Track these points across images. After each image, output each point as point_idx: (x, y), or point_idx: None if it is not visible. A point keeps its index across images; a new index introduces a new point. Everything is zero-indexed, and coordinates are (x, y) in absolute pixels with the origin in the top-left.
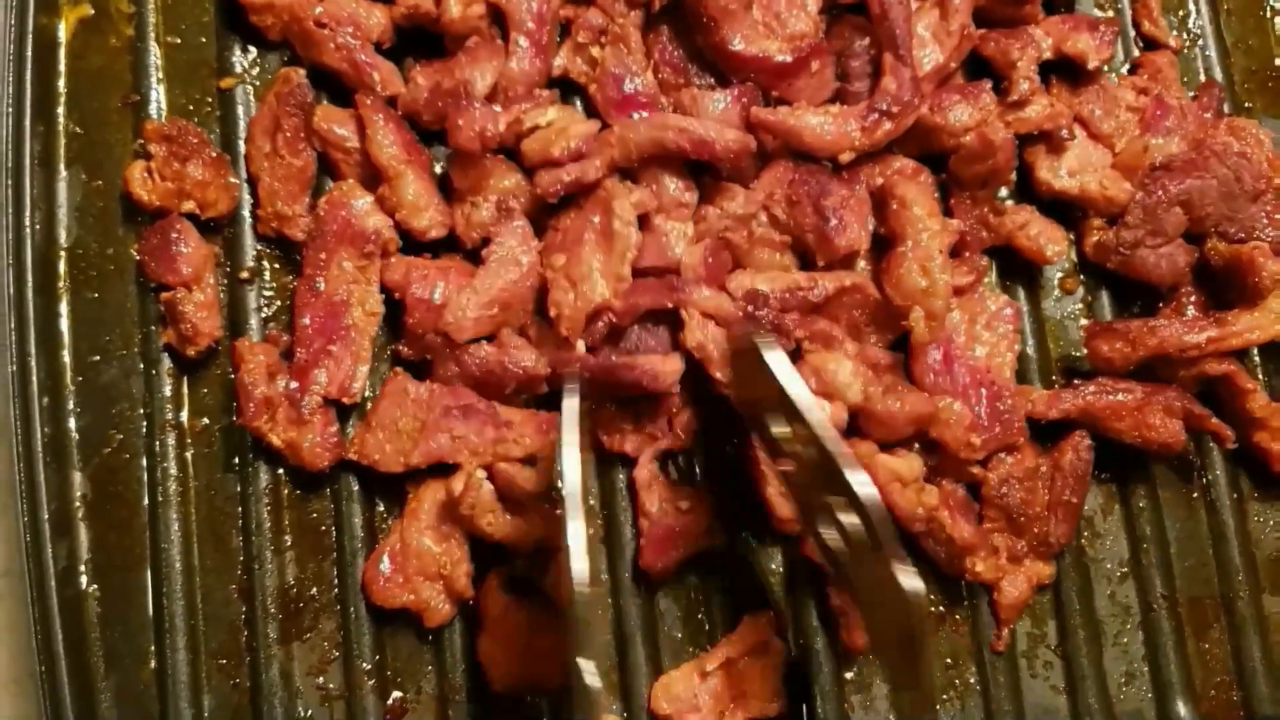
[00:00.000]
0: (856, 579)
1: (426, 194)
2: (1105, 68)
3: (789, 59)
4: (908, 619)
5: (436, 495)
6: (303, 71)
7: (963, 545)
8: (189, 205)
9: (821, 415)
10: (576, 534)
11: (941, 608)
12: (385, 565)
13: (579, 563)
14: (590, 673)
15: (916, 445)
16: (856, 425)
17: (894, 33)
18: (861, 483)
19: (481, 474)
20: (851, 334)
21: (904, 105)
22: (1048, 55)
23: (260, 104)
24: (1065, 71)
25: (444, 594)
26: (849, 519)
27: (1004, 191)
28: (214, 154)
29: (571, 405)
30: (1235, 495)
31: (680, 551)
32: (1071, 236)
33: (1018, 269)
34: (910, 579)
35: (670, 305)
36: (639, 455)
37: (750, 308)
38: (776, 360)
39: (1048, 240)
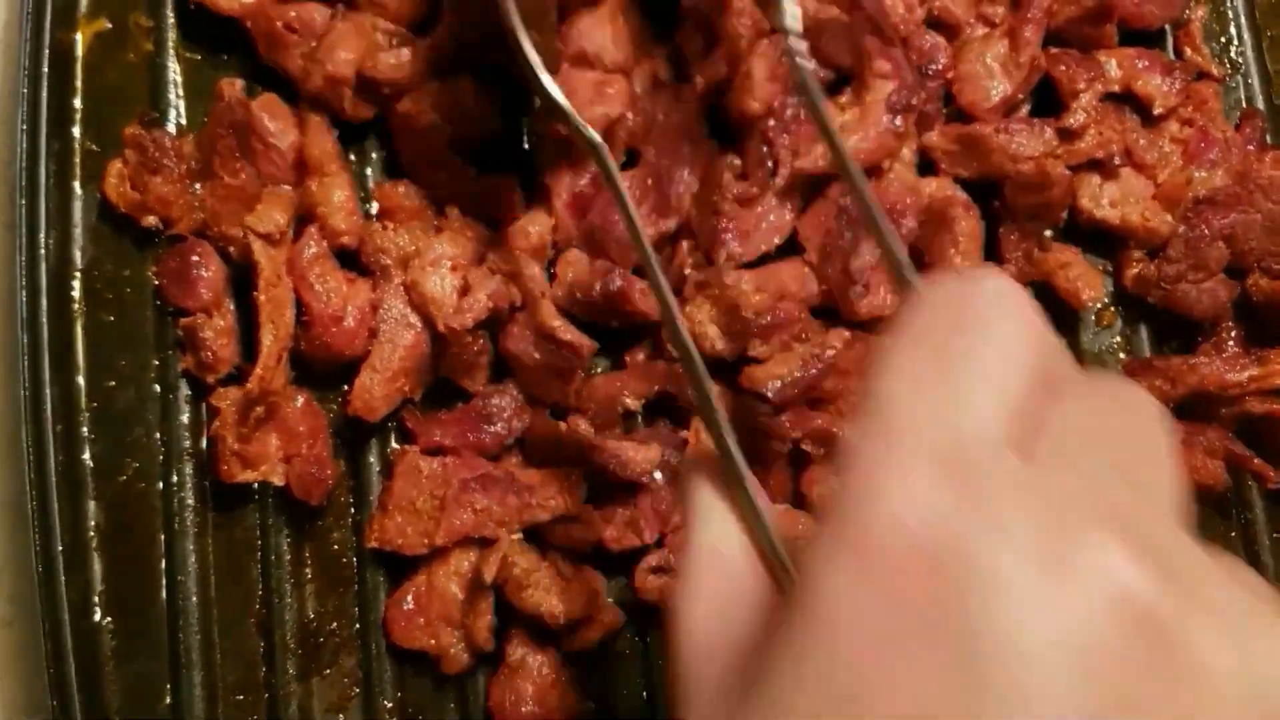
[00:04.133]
0: None
1: (351, 201)
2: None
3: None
4: None
5: (469, 560)
6: (240, 84)
7: None
8: (151, 220)
9: None
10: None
11: None
12: (408, 604)
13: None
14: None
15: None
16: None
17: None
18: None
19: (517, 544)
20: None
21: (912, 85)
22: (1115, 89)
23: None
24: (1113, 97)
25: (464, 643)
26: None
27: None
28: (182, 170)
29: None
30: (1274, 535)
31: None
32: (1109, 268)
33: (1056, 302)
34: None
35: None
36: (617, 546)
37: (745, 419)
38: None
39: (1085, 284)
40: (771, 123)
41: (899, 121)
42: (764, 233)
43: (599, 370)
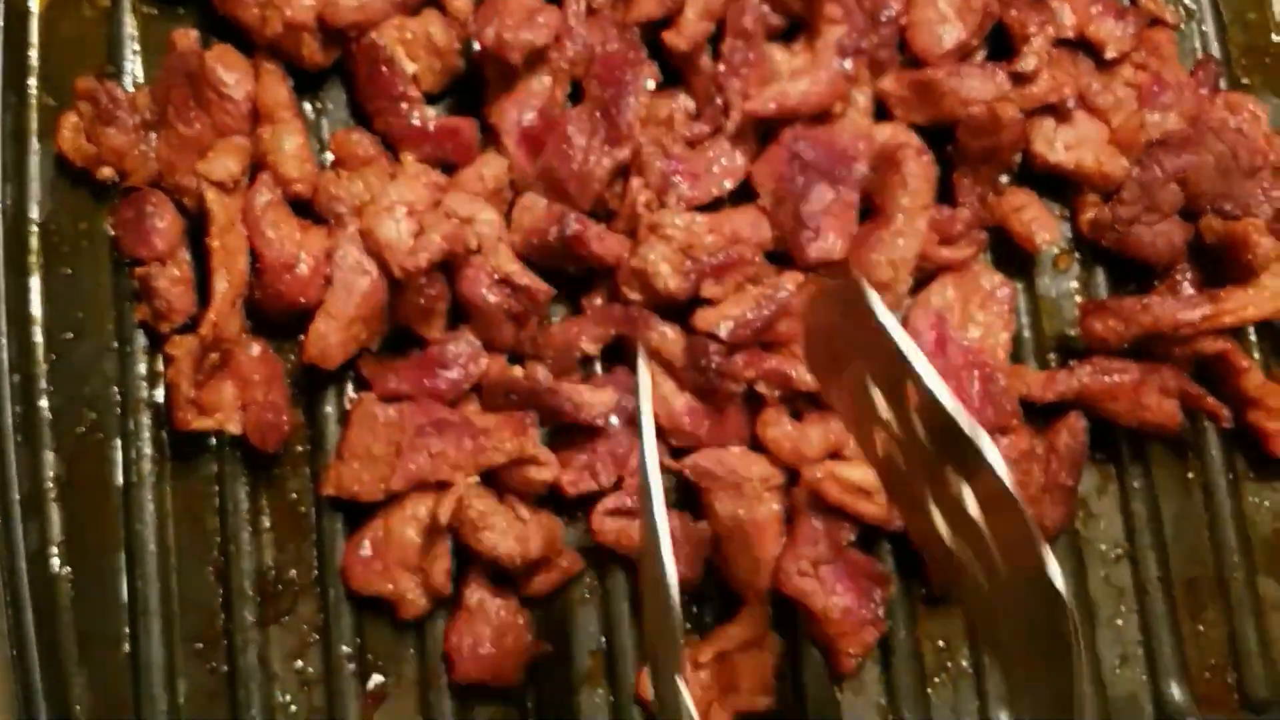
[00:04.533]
0: (969, 575)
1: (304, 149)
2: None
3: None
4: (1053, 619)
5: (426, 505)
6: (194, 34)
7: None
8: (106, 172)
9: (935, 373)
10: (663, 529)
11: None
12: (366, 550)
13: (669, 563)
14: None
15: None
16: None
17: None
18: (993, 456)
19: (474, 487)
20: None
21: (862, 28)
22: (1068, 35)
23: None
24: (1068, 43)
25: (420, 588)
26: (969, 502)
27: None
28: (136, 121)
29: (644, 379)
30: (1231, 476)
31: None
32: (1066, 213)
33: (1013, 247)
34: (1058, 574)
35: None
36: (574, 490)
37: (699, 358)
38: (880, 308)
39: (1040, 227)
40: (721, 67)
41: (849, 64)
42: (715, 176)
43: (557, 318)
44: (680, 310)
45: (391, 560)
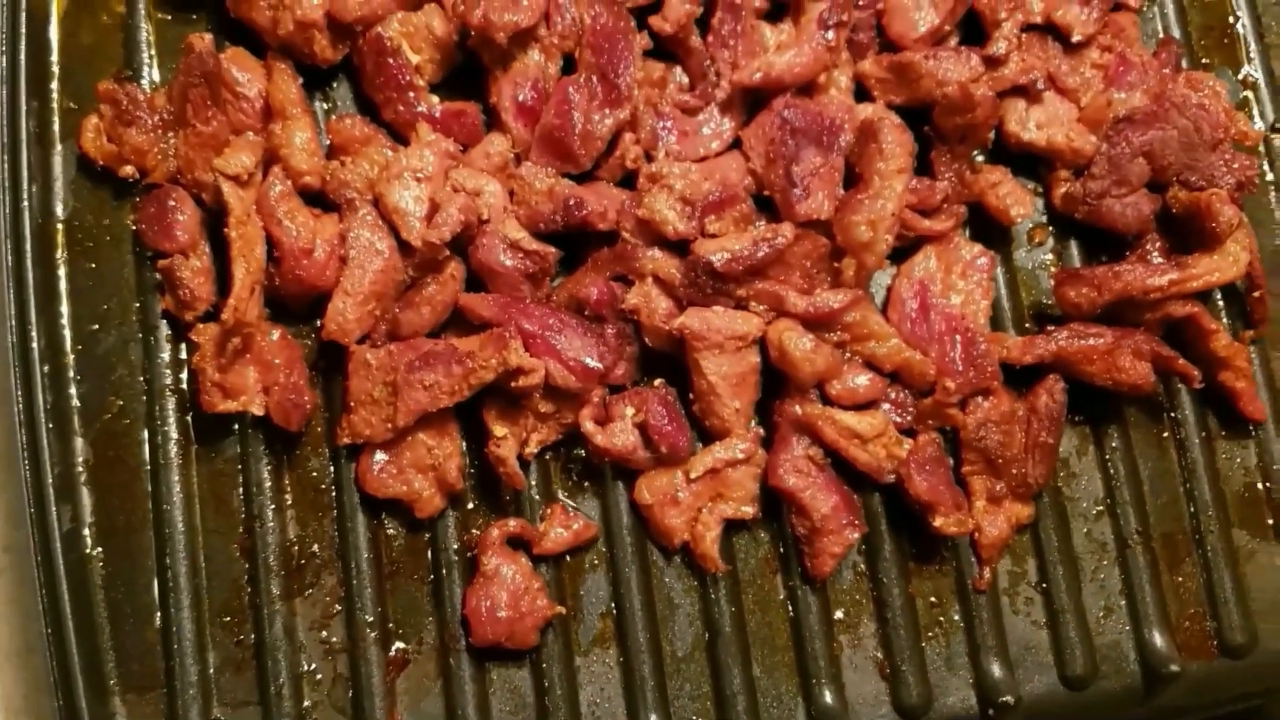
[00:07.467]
0: None
1: (313, 143)
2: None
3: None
4: None
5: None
6: (209, 38)
7: (921, 503)
8: (128, 170)
9: None
10: None
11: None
12: (379, 456)
13: None
14: None
15: (895, 394)
16: (822, 390)
17: None
18: None
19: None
20: (804, 279)
21: (842, 3)
22: (1036, 20)
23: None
24: (1036, 28)
25: (435, 486)
26: None
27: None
28: (155, 121)
29: None
30: (1204, 434)
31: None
32: (1040, 189)
33: (990, 222)
34: None
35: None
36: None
37: (697, 275)
38: None
39: (1014, 202)
40: (711, 38)
41: (831, 35)
42: (704, 138)
43: (555, 283)
44: (679, 245)
45: (405, 463)
